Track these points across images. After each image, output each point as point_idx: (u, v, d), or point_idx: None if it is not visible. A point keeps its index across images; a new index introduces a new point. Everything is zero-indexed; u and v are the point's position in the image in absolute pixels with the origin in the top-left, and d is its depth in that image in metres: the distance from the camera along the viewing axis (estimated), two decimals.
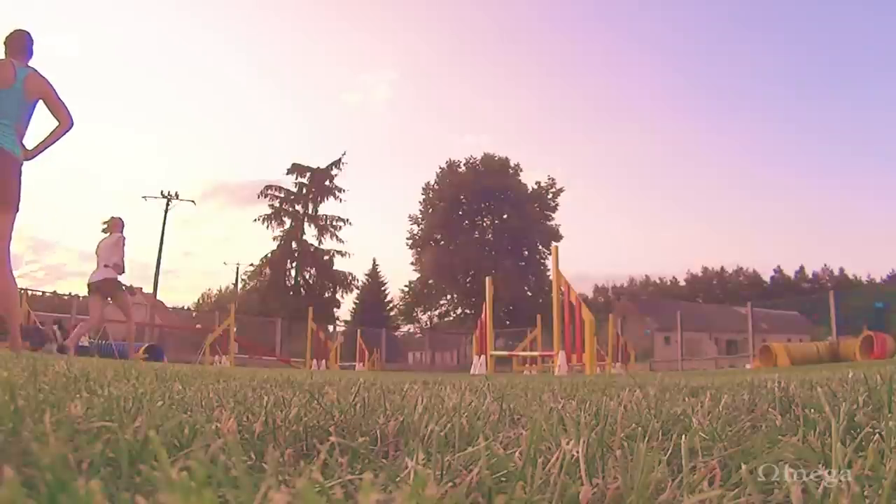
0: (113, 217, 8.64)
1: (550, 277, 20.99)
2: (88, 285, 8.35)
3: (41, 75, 4.75)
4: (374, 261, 53.70)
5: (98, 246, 8.47)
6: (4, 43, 4.77)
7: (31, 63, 4.84)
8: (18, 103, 4.58)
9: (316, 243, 46.31)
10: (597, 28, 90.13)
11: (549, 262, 43.57)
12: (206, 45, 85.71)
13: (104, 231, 8.57)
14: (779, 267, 75.22)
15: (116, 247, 8.35)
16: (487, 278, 13.74)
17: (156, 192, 34.28)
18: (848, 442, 0.82)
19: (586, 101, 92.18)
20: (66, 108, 4.79)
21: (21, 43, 4.78)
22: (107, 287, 8.25)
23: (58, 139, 4.81)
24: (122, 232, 8.51)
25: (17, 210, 4.67)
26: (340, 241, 46.48)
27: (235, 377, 2.70)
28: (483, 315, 13.29)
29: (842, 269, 72.96)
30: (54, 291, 33.69)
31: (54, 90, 4.76)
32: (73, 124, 4.81)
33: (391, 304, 52.76)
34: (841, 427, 0.89)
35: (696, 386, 2.27)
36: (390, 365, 26.86)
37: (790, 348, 13.85)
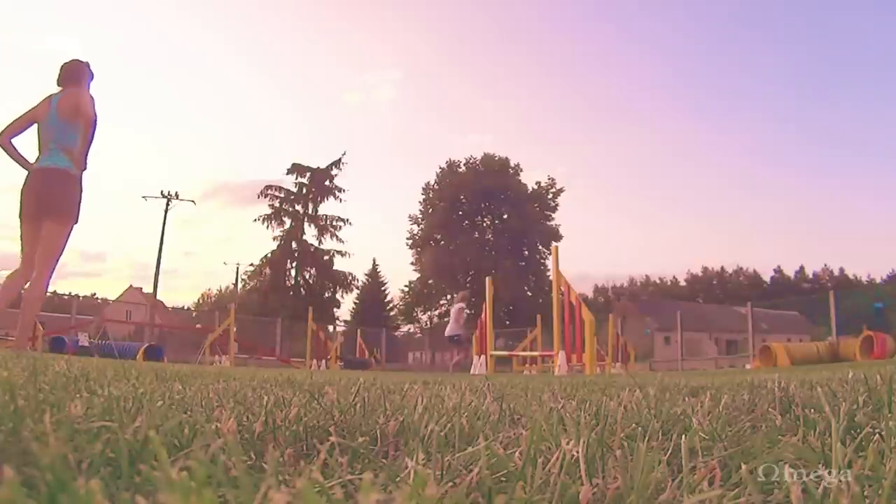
0: (461, 292, 14.79)
1: (550, 277, 20.95)
2: (448, 336, 13.03)
3: (73, 93, 4.98)
4: (374, 261, 53.80)
5: (452, 309, 13.67)
6: (59, 74, 5.07)
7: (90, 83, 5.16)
8: (58, 127, 4.91)
9: (316, 243, 46.29)
10: (597, 28, 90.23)
11: (549, 262, 43.55)
12: (206, 45, 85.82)
13: (457, 301, 13.74)
14: (779, 267, 75.43)
15: (460, 314, 12.93)
16: (487, 278, 13.75)
17: (156, 192, 34.29)
18: (848, 442, 0.82)
19: (586, 101, 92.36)
20: (86, 108, 4.94)
21: (72, 73, 5.09)
22: (457, 340, 12.98)
23: (88, 137, 4.96)
24: (465, 303, 13.23)
25: (76, 221, 4.92)
26: (340, 241, 46.47)
27: (235, 377, 2.69)
28: (483, 315, 13.29)
29: (842, 269, 73.17)
30: (54, 291, 33.56)
31: (80, 99, 4.94)
32: (93, 118, 4.96)
33: (391, 304, 52.76)
34: (841, 427, 0.89)
35: (696, 386, 2.27)
36: (390, 365, 26.83)
37: (790, 348, 13.82)
